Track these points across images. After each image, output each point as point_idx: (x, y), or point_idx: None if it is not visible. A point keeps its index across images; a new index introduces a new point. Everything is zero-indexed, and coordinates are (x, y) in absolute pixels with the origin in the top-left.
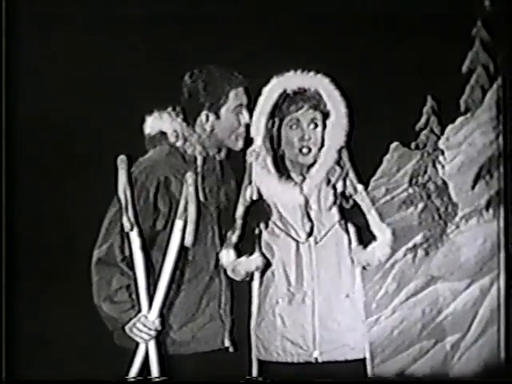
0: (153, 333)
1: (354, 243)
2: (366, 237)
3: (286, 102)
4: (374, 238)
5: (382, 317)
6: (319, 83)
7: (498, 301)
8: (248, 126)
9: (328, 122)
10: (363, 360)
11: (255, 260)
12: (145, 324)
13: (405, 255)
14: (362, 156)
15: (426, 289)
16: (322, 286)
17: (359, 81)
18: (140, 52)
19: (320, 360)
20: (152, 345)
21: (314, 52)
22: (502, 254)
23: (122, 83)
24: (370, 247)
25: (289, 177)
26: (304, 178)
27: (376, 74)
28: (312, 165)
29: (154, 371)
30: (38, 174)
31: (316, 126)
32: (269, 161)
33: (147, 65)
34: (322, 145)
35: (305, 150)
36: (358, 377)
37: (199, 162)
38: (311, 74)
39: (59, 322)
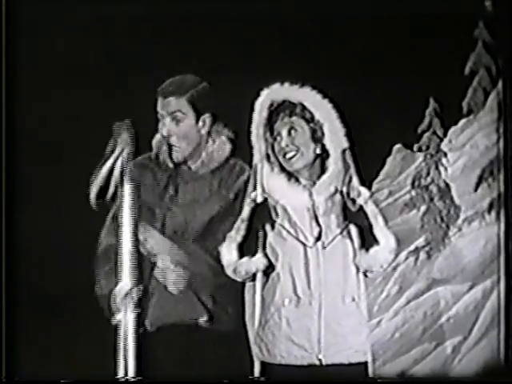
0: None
1: (357, 246)
2: (368, 241)
3: (272, 116)
4: (376, 242)
5: (384, 319)
6: (303, 96)
7: (499, 303)
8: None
9: (325, 130)
10: (365, 363)
11: (257, 261)
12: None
13: (407, 258)
14: (364, 158)
15: (427, 292)
16: (329, 290)
17: (362, 83)
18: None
19: (324, 362)
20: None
21: (314, 55)
22: (503, 257)
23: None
24: (372, 250)
25: (297, 180)
26: (314, 183)
27: (378, 77)
28: (322, 171)
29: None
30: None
31: (295, 131)
32: (276, 166)
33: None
34: (325, 152)
35: (288, 156)
36: (359, 379)
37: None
38: (296, 86)
39: (60, 322)
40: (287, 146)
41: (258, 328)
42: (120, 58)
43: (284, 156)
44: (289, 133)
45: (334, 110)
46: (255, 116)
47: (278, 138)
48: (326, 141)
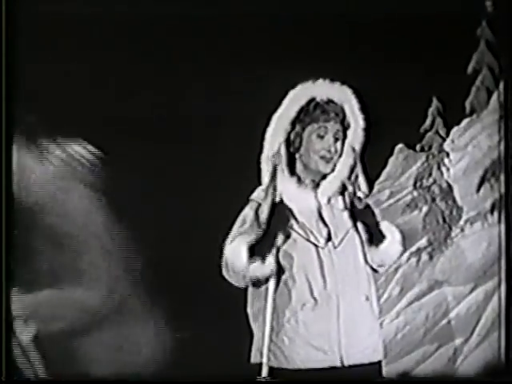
0: None
1: (367, 244)
2: (376, 237)
3: (316, 110)
4: (383, 237)
5: (386, 320)
6: (345, 96)
7: (500, 305)
8: None
9: (350, 132)
10: (379, 362)
11: (265, 268)
12: None
13: (409, 259)
14: (366, 158)
15: (429, 293)
16: (345, 290)
17: (363, 82)
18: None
19: (346, 364)
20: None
21: (313, 55)
22: (504, 259)
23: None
24: (382, 245)
25: (303, 182)
26: (318, 185)
27: (380, 76)
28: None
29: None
30: None
31: (337, 139)
32: (285, 165)
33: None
34: (340, 155)
35: (327, 158)
36: (373, 379)
37: None
38: (337, 84)
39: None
40: (331, 149)
41: (270, 333)
42: (122, 58)
43: (323, 156)
44: (334, 137)
45: (363, 117)
46: (285, 105)
47: (320, 136)
48: (346, 143)
